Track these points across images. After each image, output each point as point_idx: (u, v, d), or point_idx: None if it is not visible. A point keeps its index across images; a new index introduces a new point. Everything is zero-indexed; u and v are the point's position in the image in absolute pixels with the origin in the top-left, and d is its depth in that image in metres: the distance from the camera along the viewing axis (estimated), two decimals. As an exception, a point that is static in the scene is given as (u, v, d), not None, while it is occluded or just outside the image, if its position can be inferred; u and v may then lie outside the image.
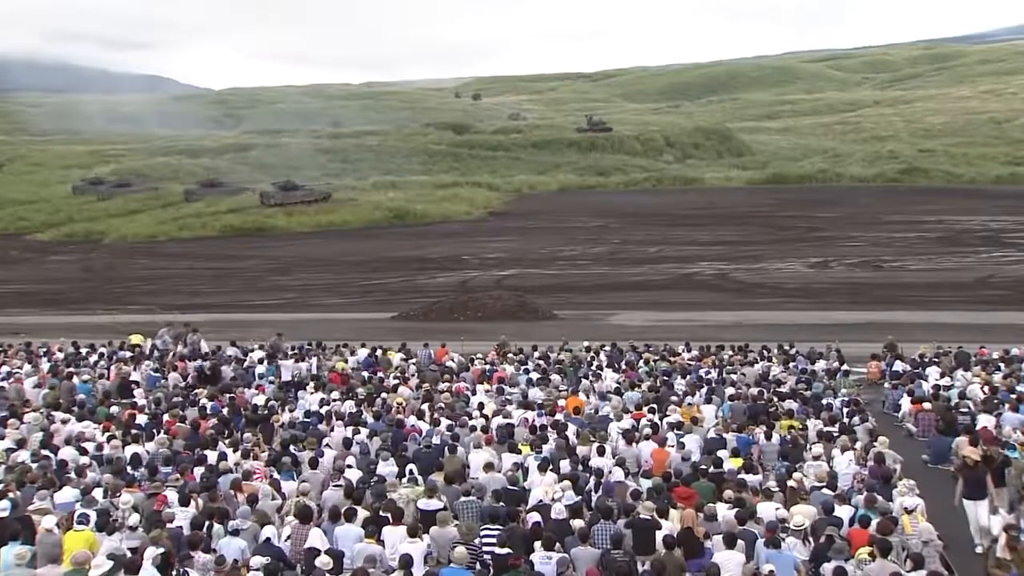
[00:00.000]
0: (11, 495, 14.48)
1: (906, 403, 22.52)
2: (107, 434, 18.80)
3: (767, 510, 13.94)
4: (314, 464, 16.48)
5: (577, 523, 13.35)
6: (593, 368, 26.35)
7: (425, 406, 21.59)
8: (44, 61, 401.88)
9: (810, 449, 17.44)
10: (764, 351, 28.40)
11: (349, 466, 16.52)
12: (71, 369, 26.41)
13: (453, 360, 28.11)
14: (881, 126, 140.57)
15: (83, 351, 29.96)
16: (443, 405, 21.72)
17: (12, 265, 66.39)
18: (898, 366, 26.62)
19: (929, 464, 18.96)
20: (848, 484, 15.69)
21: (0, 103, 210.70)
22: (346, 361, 27.91)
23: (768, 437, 18.19)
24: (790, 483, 15.30)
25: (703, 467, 16.05)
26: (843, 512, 13.82)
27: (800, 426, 19.33)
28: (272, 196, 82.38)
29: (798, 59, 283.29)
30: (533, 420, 19.90)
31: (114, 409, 21.58)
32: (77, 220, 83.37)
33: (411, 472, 16.24)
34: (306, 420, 20.50)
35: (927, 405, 21.52)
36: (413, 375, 26.00)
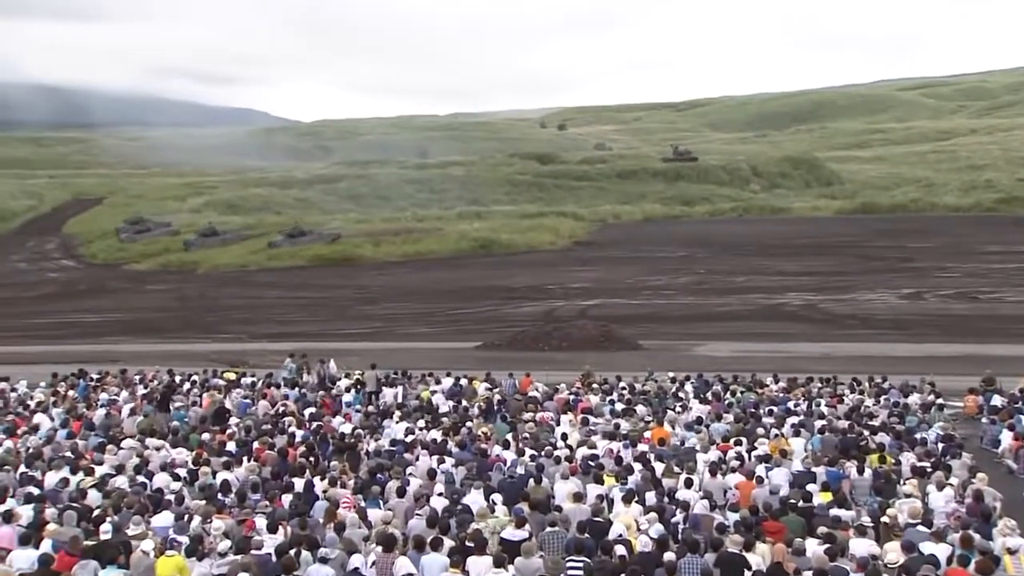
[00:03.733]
0: (109, 519, 14.85)
1: (1006, 438, 21.81)
2: (199, 461, 19.14)
3: (859, 547, 13.59)
4: (401, 493, 16.58)
5: (666, 556, 13.19)
6: (680, 399, 26.12)
7: (510, 435, 21.61)
8: (145, 96, 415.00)
9: (904, 484, 16.97)
10: (855, 384, 27.81)
11: (440, 494, 16.60)
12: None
13: (538, 390, 28.08)
14: (977, 155, 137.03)
15: (177, 379, 30.62)
16: (528, 435, 21.69)
17: (111, 295, 68.36)
18: (996, 400, 25.81)
19: (1032, 503, 18.30)
20: (944, 522, 15.22)
21: (104, 138, 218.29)
22: (432, 390, 28.12)
23: (860, 471, 17.76)
24: (883, 519, 14.90)
25: (792, 501, 15.74)
26: (940, 551, 13.41)
27: (893, 461, 18.84)
28: (279, 244, 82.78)
29: (890, 87, 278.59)
30: (618, 451, 19.75)
31: (205, 436, 22.01)
32: (172, 250, 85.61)
33: (495, 502, 16.24)
34: (391, 448, 20.66)
35: (1029, 441, 20.82)
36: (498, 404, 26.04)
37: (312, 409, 25.54)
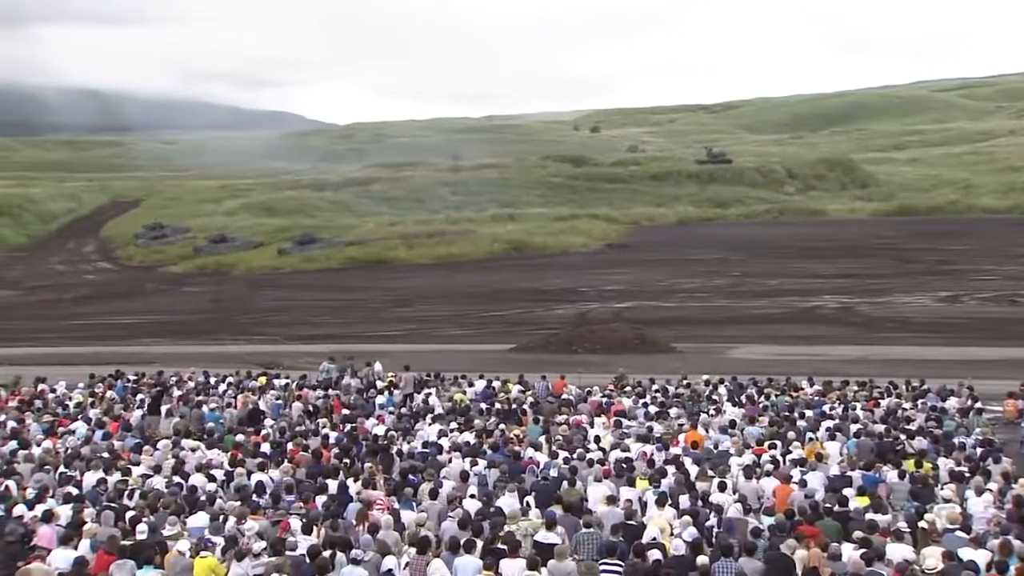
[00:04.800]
0: (145, 520, 14.99)
1: (1047, 443, 21.51)
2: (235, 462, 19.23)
3: (896, 552, 13.44)
4: (433, 495, 16.60)
5: (700, 560, 13.13)
6: (714, 402, 25.98)
7: (543, 438, 21.58)
8: (181, 100, 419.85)
9: (942, 489, 16.78)
10: (891, 387, 27.53)
11: (472, 496, 16.60)
12: (200, 398, 27.25)
13: (571, 392, 28.02)
14: (1016, 156, 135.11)
15: (212, 380, 30.82)
16: (561, 437, 21.66)
17: (147, 297, 69.02)
18: (1037, 405, 25.44)
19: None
20: (984, 527, 15.03)
21: (142, 141, 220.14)
22: (464, 392, 28.15)
23: (901, 476, 17.57)
24: (921, 524, 14.73)
25: (827, 505, 15.61)
26: (979, 557, 13.23)
27: (931, 466, 18.62)
28: (289, 252, 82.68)
29: (927, 88, 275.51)
30: (651, 454, 19.68)
31: (240, 437, 22.15)
32: (208, 253, 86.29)
33: (528, 504, 16.22)
34: (424, 451, 20.69)
35: (1070, 446, 20.52)
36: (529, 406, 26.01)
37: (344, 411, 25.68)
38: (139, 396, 28.02)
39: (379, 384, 29.69)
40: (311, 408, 26.43)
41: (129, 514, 15.40)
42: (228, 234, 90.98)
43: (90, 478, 18.00)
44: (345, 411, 25.61)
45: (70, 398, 28.01)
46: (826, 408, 24.76)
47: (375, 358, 32.62)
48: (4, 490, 17.14)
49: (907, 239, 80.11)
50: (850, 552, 13.29)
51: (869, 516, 15.22)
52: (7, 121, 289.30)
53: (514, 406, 25.92)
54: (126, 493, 17.21)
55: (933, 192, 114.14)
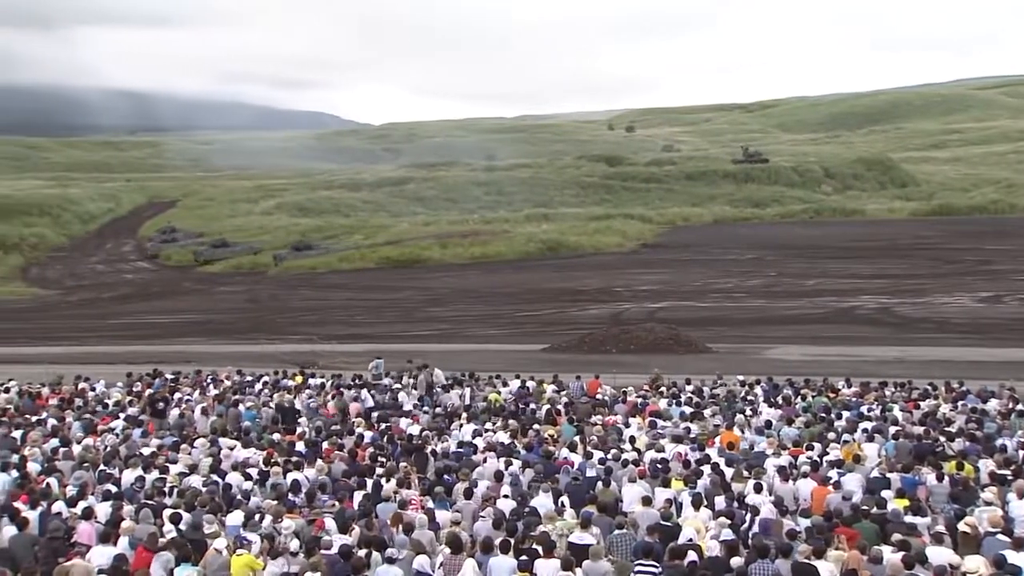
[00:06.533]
0: (184, 519, 15.10)
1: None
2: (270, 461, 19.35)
3: (938, 555, 13.25)
4: (468, 495, 16.60)
5: (735, 561, 13.03)
6: (750, 403, 25.79)
7: (577, 438, 21.54)
8: (219, 101, 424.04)
9: (983, 492, 16.55)
10: (931, 389, 27.19)
11: (506, 496, 16.59)
12: (237, 397, 27.42)
13: (605, 393, 27.92)
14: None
15: (248, 379, 31.01)
16: (595, 438, 21.59)
17: (184, 296, 69.67)
18: (1080, 407, 25.00)
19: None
20: (1026, 531, 14.80)
21: (181, 141, 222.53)
22: (499, 392, 28.12)
23: (939, 479, 17.34)
24: (962, 527, 14.52)
25: (864, 508, 15.44)
26: (1021, 560, 13.01)
27: (972, 468, 18.36)
28: (283, 258, 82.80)
29: (967, 86, 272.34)
30: (686, 455, 19.57)
31: (275, 436, 22.25)
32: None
33: (563, 504, 16.19)
34: (459, 451, 20.70)
35: (1115, 449, 20.14)
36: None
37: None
38: (176, 395, 28.17)
39: (438, 388, 29.52)
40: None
41: (167, 512, 15.55)
42: (229, 239, 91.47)
43: (128, 476, 18.19)
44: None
45: (109, 396, 28.30)
46: (864, 409, 24.49)
47: (431, 363, 32.02)
48: (45, 487, 17.35)
49: (947, 239, 79.24)
50: (889, 555, 13.13)
51: (908, 519, 15.04)
52: (47, 122, 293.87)
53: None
54: (164, 491, 17.37)
55: (974, 191, 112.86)
